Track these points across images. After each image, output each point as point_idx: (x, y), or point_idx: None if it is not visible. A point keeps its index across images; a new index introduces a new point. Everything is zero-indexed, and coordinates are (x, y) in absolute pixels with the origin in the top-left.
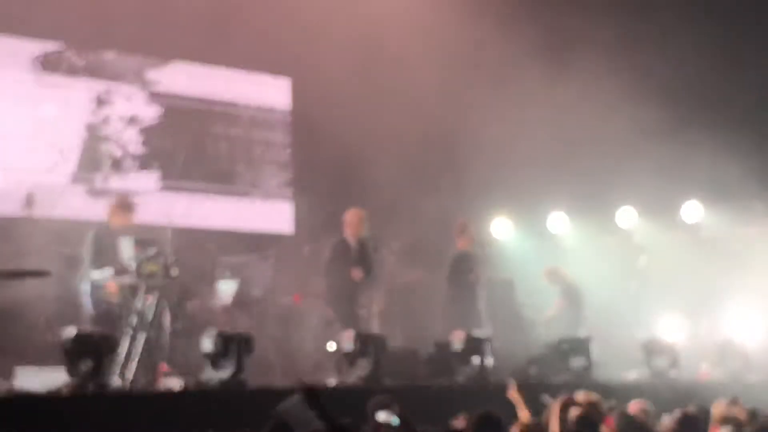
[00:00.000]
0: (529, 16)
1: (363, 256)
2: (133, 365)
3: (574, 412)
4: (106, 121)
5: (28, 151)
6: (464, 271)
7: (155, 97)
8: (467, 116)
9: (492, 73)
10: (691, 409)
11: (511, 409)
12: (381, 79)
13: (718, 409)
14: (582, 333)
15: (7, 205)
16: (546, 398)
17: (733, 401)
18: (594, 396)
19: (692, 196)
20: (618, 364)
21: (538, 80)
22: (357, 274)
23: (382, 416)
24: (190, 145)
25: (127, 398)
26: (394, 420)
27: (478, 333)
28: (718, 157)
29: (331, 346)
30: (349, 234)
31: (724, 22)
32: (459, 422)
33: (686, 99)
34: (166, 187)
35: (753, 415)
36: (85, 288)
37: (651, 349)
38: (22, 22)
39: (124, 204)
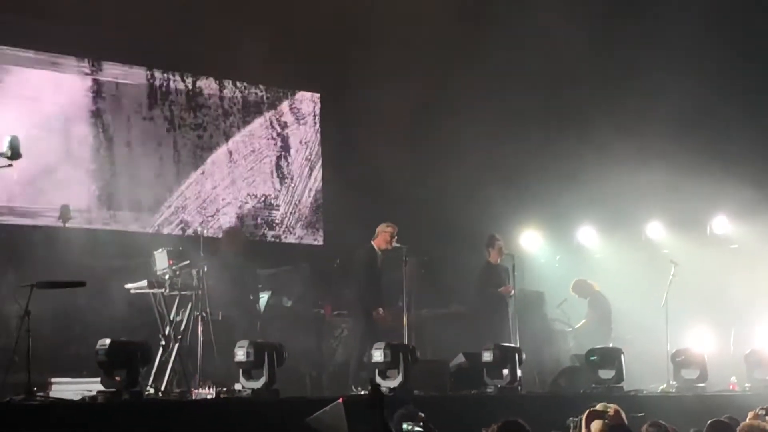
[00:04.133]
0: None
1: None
2: (166, 375)
3: (598, 424)
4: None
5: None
6: (493, 283)
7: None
8: (497, 130)
9: (521, 86)
10: (722, 418)
11: (540, 420)
12: (411, 93)
13: (747, 418)
14: (611, 345)
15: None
16: (570, 420)
17: (766, 412)
18: (614, 406)
19: (721, 209)
20: (647, 376)
21: (568, 97)
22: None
23: (406, 427)
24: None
25: (161, 407)
26: (417, 428)
27: (507, 344)
28: (747, 170)
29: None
30: (378, 246)
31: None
32: None
33: (714, 114)
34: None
35: None
36: None
37: (680, 361)
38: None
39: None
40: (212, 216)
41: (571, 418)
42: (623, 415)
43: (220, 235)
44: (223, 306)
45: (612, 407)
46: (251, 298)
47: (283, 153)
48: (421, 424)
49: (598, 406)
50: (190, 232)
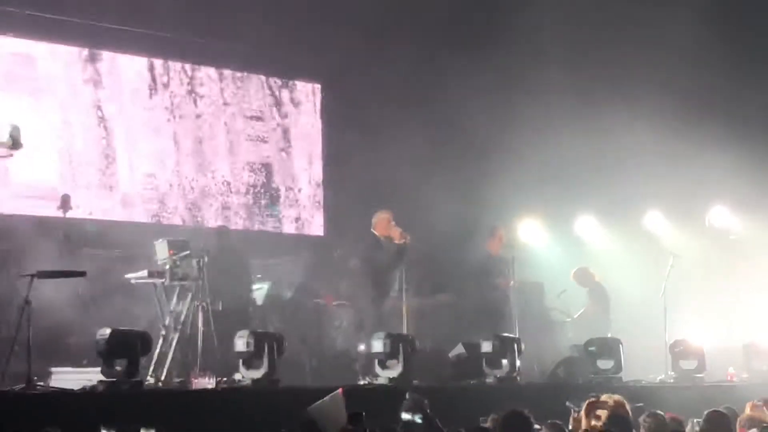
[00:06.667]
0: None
1: (393, 256)
2: (166, 365)
3: (602, 413)
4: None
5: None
6: (494, 274)
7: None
8: (500, 121)
9: (523, 81)
10: (720, 409)
11: (539, 409)
12: (411, 83)
13: (746, 410)
14: (610, 335)
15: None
16: (569, 405)
17: (764, 403)
18: (618, 397)
19: (720, 200)
20: (646, 367)
21: (568, 87)
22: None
23: (406, 416)
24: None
25: (161, 397)
26: (418, 418)
27: (506, 335)
28: (746, 160)
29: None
30: (380, 233)
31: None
32: (489, 422)
33: (713, 104)
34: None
35: None
36: None
37: (678, 352)
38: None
39: None
40: (212, 206)
41: (568, 402)
42: (628, 407)
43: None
44: (221, 297)
45: (615, 397)
46: (248, 289)
47: (283, 143)
48: (421, 415)
49: (603, 397)
50: (190, 222)
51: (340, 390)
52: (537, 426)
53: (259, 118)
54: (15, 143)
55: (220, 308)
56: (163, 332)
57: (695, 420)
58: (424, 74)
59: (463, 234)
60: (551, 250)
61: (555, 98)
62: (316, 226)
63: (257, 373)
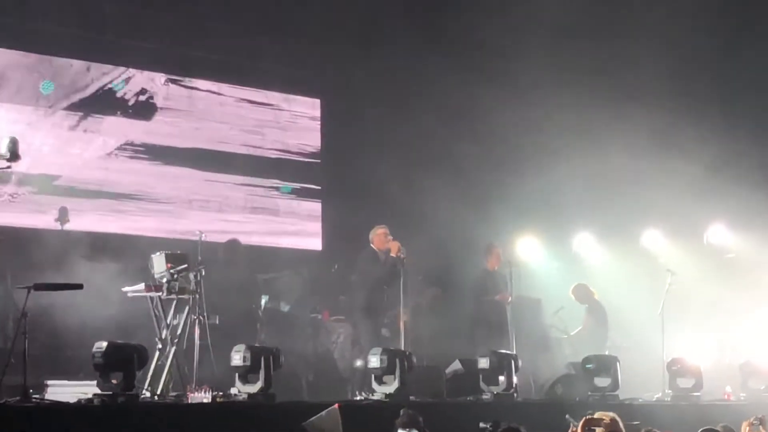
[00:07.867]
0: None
1: (391, 270)
2: (163, 378)
3: (598, 431)
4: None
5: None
6: (491, 290)
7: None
8: (499, 138)
9: (522, 95)
10: (717, 428)
11: (534, 427)
12: (410, 98)
13: (742, 429)
14: (607, 353)
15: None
16: (568, 418)
17: (760, 421)
18: (613, 415)
19: (718, 218)
20: (642, 385)
21: (567, 105)
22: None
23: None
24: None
25: (157, 411)
26: None
27: (503, 351)
28: (743, 179)
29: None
30: (378, 247)
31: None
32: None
33: (711, 123)
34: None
35: None
36: None
37: (676, 370)
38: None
39: None
40: (211, 219)
41: (568, 416)
42: (621, 424)
43: (220, 242)
44: (224, 311)
45: (609, 415)
46: (253, 306)
47: (282, 157)
48: (417, 431)
49: (596, 415)
50: (188, 235)
51: (336, 405)
52: None
53: (258, 132)
54: (13, 156)
55: (217, 322)
56: (160, 346)
57: None
58: (424, 89)
59: (461, 249)
60: (549, 267)
61: (554, 116)
62: (314, 240)
63: (253, 388)
